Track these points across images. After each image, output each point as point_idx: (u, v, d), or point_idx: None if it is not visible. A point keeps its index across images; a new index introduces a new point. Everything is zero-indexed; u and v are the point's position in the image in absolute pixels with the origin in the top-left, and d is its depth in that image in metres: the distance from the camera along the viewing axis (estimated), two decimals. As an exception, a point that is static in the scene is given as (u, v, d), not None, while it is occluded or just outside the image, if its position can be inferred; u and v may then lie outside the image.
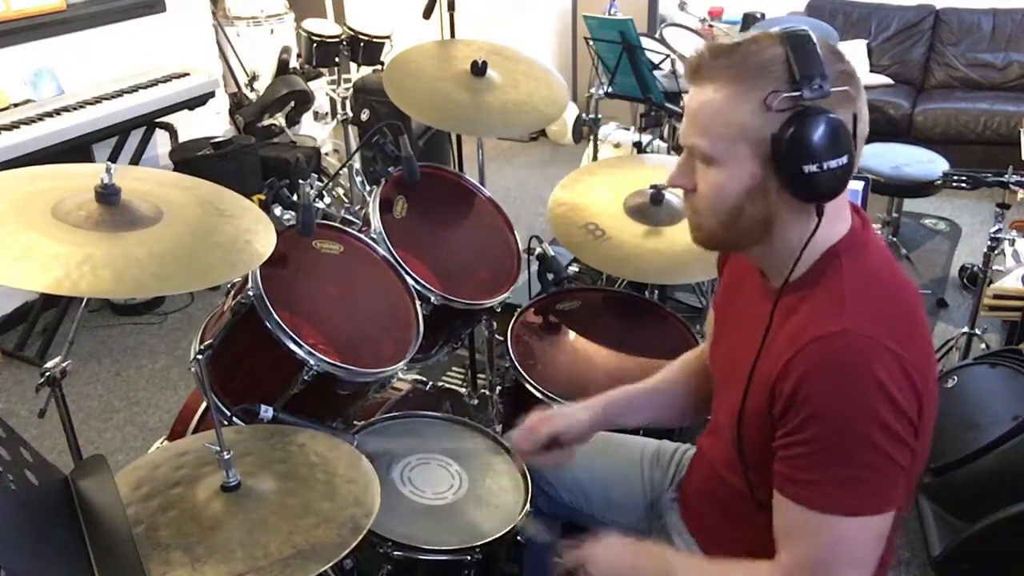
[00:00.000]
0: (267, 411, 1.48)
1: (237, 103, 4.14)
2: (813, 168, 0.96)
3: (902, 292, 1.06)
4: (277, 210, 1.67)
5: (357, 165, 3.85)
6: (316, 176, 3.45)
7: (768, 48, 0.99)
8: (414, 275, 1.81)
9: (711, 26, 4.89)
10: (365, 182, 3.82)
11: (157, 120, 3.42)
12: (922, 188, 3.29)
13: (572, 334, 2.03)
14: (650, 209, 2.06)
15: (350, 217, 1.93)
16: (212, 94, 3.58)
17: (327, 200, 2.01)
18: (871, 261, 1.07)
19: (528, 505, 1.49)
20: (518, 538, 1.48)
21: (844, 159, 0.97)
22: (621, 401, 1.43)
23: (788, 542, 1.06)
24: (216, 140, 3.49)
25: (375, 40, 3.75)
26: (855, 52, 4.90)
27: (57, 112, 3.02)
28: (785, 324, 1.06)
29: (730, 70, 1.00)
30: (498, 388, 2.17)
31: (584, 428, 1.39)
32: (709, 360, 1.34)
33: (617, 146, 3.72)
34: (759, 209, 1.04)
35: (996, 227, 2.56)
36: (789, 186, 1.00)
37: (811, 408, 0.98)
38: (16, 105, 3.06)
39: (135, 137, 3.47)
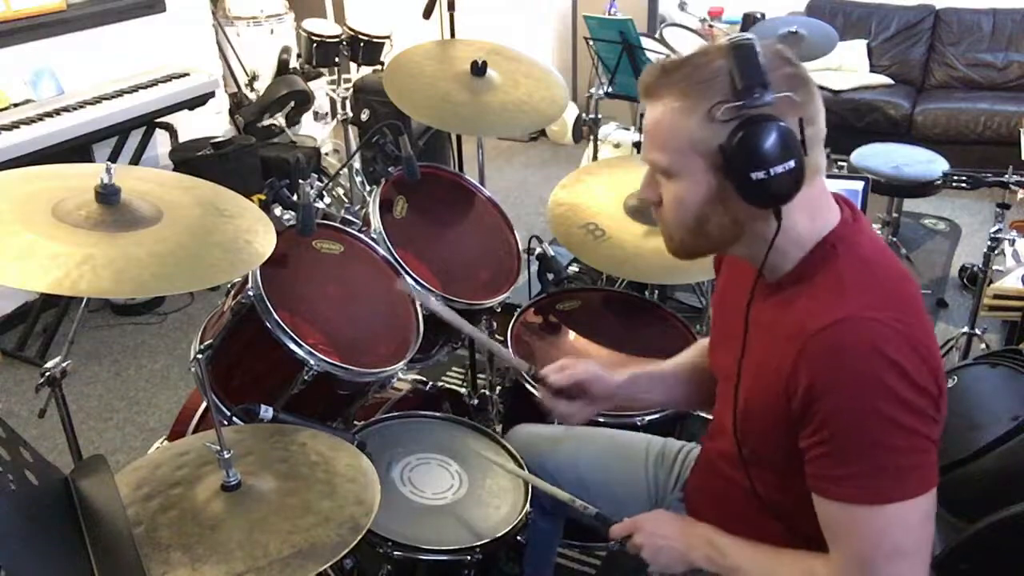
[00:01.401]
0: (267, 411, 1.48)
1: (237, 103, 4.14)
2: (760, 175, 0.98)
3: (900, 279, 1.07)
4: (277, 210, 1.67)
5: (357, 165, 3.87)
6: (316, 176, 3.45)
7: (714, 60, 1.01)
8: (414, 275, 1.81)
9: (711, 26, 4.89)
10: (365, 182, 3.84)
11: (157, 120, 3.42)
12: (922, 188, 3.29)
13: (572, 334, 2.03)
14: (650, 209, 2.06)
15: (350, 217, 1.93)
16: (212, 94, 3.58)
17: (327, 200, 2.01)
18: (867, 249, 1.08)
19: (528, 505, 1.49)
20: (518, 538, 1.49)
21: (791, 163, 0.98)
22: (645, 378, 1.46)
23: (835, 542, 1.05)
24: (216, 140, 3.49)
25: (375, 40, 3.75)
26: (855, 52, 4.90)
27: (57, 112, 3.01)
28: (785, 317, 1.07)
29: (678, 85, 1.02)
30: (498, 388, 2.17)
31: (611, 390, 1.41)
32: (709, 359, 1.34)
33: (617, 146, 3.72)
34: (723, 216, 1.06)
35: (996, 227, 2.56)
36: (741, 193, 1.02)
37: (828, 402, 0.98)
38: (16, 105, 3.06)
39: (135, 137, 3.47)
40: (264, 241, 1.37)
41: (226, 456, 1.24)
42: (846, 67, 4.85)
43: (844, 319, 0.99)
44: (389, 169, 1.89)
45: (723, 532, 1.20)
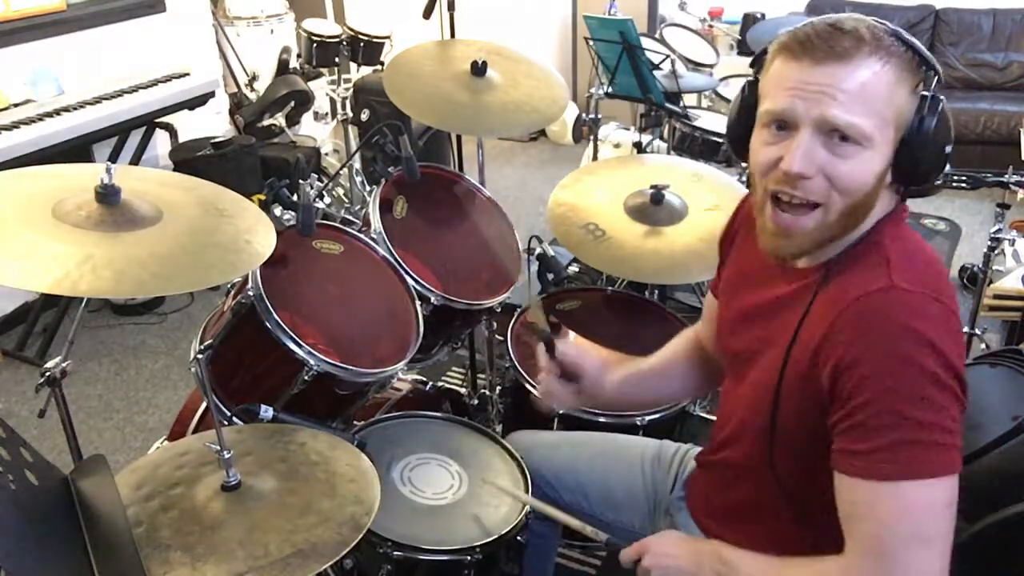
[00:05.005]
0: (267, 411, 1.48)
1: (237, 103, 4.15)
2: (949, 150, 1.01)
3: (937, 263, 1.07)
4: (277, 210, 1.67)
5: (357, 165, 3.87)
6: (316, 176, 3.45)
7: (887, 36, 1.03)
8: (414, 275, 1.81)
9: (711, 26, 4.90)
10: (365, 182, 3.84)
11: (157, 120, 3.42)
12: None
13: (572, 334, 2.03)
14: (650, 209, 2.06)
15: (350, 217, 1.93)
16: (212, 94, 3.57)
17: (327, 200, 2.01)
18: (907, 232, 1.09)
19: (527, 505, 1.49)
20: (518, 538, 1.49)
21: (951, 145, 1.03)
22: (633, 382, 1.46)
23: (851, 526, 1.00)
24: (216, 140, 3.49)
25: (375, 40, 3.75)
26: (855, 52, 4.89)
27: (57, 112, 3.01)
28: (824, 292, 1.06)
29: (885, 56, 1.01)
30: (498, 388, 2.17)
31: (601, 391, 1.42)
32: (720, 352, 1.33)
33: (617, 146, 3.72)
34: (875, 195, 1.04)
35: (996, 227, 2.56)
36: (913, 172, 1.02)
37: (860, 370, 0.96)
38: (16, 105, 3.06)
39: (135, 137, 3.47)
40: (264, 241, 1.37)
41: (226, 456, 1.24)
42: (846, 67, 4.85)
43: (886, 288, 0.99)
44: (389, 169, 1.89)
45: (732, 547, 1.16)
